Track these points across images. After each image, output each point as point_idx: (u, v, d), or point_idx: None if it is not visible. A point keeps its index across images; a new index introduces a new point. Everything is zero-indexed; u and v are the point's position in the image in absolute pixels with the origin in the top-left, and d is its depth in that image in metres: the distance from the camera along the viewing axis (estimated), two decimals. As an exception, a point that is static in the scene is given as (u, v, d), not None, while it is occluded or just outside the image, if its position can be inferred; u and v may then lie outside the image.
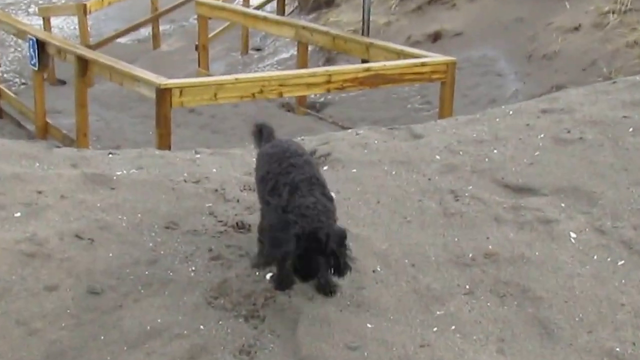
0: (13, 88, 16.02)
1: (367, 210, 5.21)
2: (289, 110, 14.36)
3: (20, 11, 24.73)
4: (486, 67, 15.82)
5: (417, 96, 14.47)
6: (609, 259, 4.76)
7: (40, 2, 26.27)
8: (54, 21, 20.83)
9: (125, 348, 4.06)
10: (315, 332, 4.14)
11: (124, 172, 5.56)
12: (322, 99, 14.83)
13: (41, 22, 20.09)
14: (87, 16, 18.98)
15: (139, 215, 5.01)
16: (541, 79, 14.30)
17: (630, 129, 5.91)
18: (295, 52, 15.24)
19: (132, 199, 5.20)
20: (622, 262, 4.72)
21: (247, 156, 6.10)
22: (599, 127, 6.01)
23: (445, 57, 11.95)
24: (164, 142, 9.21)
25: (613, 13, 15.70)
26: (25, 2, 27.09)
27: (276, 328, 4.20)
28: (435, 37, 17.57)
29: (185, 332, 4.14)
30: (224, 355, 4.01)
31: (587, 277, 4.62)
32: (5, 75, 16.47)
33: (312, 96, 14.20)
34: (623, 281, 4.59)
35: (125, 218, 4.97)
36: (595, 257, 4.78)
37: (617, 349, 4.12)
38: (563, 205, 5.23)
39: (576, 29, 15.88)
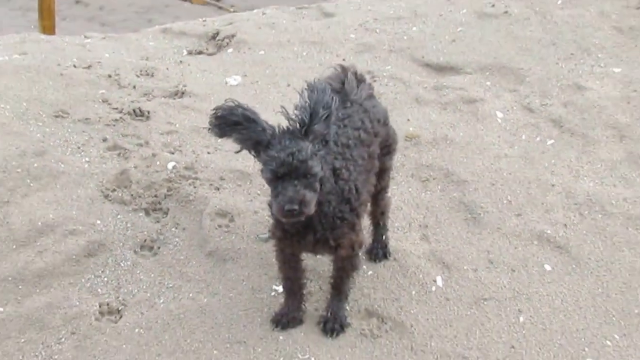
0: None
1: (277, 94, 5.16)
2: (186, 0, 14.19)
3: None
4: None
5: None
6: (537, 139, 4.78)
7: None
8: None
9: (14, 246, 3.96)
10: (224, 224, 4.12)
11: (6, 57, 5.40)
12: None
13: None
14: None
15: (24, 104, 4.87)
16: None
17: (559, 1, 5.91)
18: None
19: (16, 86, 5.04)
20: (552, 141, 4.74)
21: (144, 40, 5.96)
22: (526, 0, 6.01)
23: None
24: (49, 30, 9.05)
25: None
26: None
27: (181, 221, 4.16)
28: None
29: (80, 227, 4.05)
30: (123, 252, 3.97)
31: (515, 157, 4.63)
32: None
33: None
34: (553, 161, 4.61)
35: (8, 107, 4.82)
36: (523, 136, 4.78)
37: (548, 232, 4.16)
38: (488, 83, 5.23)
39: None
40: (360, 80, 3.70)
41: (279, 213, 2.93)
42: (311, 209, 2.95)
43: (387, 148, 3.73)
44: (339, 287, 3.56)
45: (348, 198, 3.28)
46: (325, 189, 3.13)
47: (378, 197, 3.78)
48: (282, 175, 2.88)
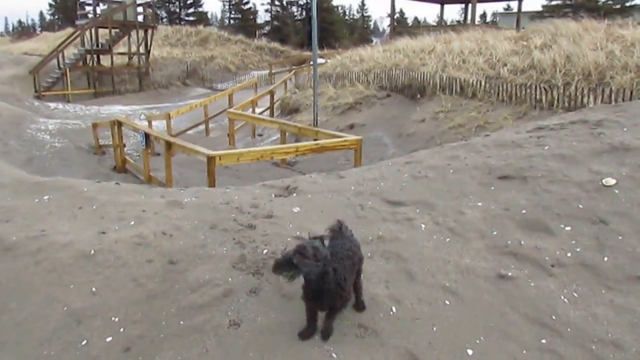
0: (132, 158, 15.90)
1: (316, 216, 5.15)
2: (276, 166, 14.32)
3: (136, 118, 24.56)
4: (377, 141, 15.91)
5: (342, 157, 14.47)
6: (441, 238, 4.71)
7: (146, 112, 26.15)
8: (154, 122, 20.70)
9: (189, 292, 3.96)
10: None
11: (189, 199, 5.45)
12: (293, 160, 14.82)
13: (146, 123, 19.97)
14: (171, 120, 18.94)
15: (196, 221, 4.91)
16: (405, 147, 14.37)
17: (451, 170, 5.91)
18: (279, 136, 15.21)
19: (193, 213, 5.10)
20: (448, 239, 4.69)
21: (254, 190, 5.99)
22: (435, 170, 6.01)
23: (356, 136, 11.93)
24: (211, 184, 9.14)
25: (441, 112, 15.84)
26: (139, 113, 26.92)
27: (270, 279, 4.10)
28: (351, 126, 17.62)
29: (220, 282, 4.05)
30: (242, 295, 3.93)
31: (430, 247, 4.57)
32: (128, 151, 16.36)
33: (288, 158, 14.18)
34: (449, 249, 4.55)
35: (188, 223, 4.87)
36: (434, 237, 4.73)
37: (447, 285, 4.10)
38: (417, 210, 5.19)
39: (423, 120, 16.01)
40: (346, 227, 3.80)
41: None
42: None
43: (360, 261, 3.75)
44: (330, 317, 3.55)
45: (340, 282, 3.38)
46: (329, 277, 3.32)
47: (356, 282, 3.76)
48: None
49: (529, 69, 16.23)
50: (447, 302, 3.93)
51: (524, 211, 4.95)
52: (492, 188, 5.42)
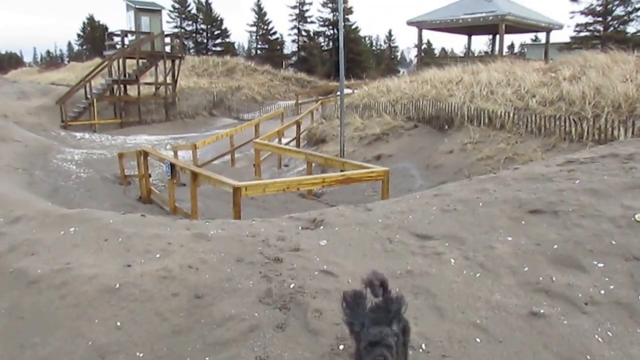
0: (158, 188, 16.03)
1: (343, 249, 5.12)
2: (303, 197, 14.31)
3: (162, 148, 24.83)
4: (405, 172, 15.88)
5: (369, 189, 14.45)
6: (471, 273, 4.67)
7: (172, 142, 26.44)
8: (180, 153, 20.92)
9: (214, 326, 3.97)
10: (317, 315, 4.06)
11: (215, 231, 5.46)
12: (320, 191, 14.84)
13: (172, 153, 20.19)
14: (197, 150, 19.11)
15: (222, 254, 4.92)
16: (433, 179, 14.32)
17: (480, 204, 5.85)
18: (306, 167, 15.23)
19: (219, 246, 5.10)
20: (478, 274, 4.64)
21: (281, 222, 5.98)
22: (464, 203, 5.96)
23: (384, 168, 11.91)
24: (237, 215, 9.14)
25: (469, 143, 15.78)
26: (165, 143, 27.23)
27: (296, 314, 4.10)
28: (378, 157, 17.63)
29: (247, 317, 4.04)
30: (268, 330, 3.93)
31: (460, 283, 4.53)
32: (154, 181, 16.50)
33: (315, 189, 14.18)
34: (479, 285, 4.51)
35: (214, 256, 4.88)
36: (464, 272, 4.69)
37: (478, 322, 4.05)
38: (447, 244, 5.15)
39: (451, 152, 15.95)
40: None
41: None
42: None
43: None
44: None
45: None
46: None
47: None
48: None
49: (557, 101, 16.15)
50: (478, 340, 3.87)
51: (555, 246, 4.89)
52: (523, 222, 5.36)
